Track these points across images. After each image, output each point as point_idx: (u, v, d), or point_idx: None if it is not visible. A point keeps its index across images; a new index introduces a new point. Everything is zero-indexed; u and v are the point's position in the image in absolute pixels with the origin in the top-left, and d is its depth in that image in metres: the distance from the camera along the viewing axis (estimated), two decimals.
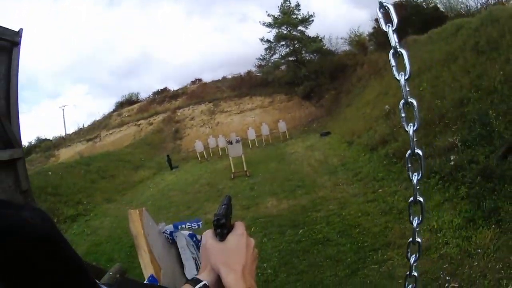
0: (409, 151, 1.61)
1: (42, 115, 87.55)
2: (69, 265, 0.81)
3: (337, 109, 28.85)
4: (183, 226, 3.07)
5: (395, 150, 10.83)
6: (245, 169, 15.81)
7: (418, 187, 1.64)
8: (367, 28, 32.96)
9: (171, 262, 3.02)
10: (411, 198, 1.68)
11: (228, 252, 1.08)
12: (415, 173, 1.64)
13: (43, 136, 50.70)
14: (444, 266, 5.26)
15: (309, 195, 10.35)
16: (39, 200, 15.42)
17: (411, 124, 1.58)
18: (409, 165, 1.64)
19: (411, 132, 1.57)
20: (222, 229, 1.12)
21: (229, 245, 1.09)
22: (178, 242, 3.05)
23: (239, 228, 1.14)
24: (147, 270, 2.71)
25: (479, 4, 23.86)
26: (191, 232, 3.12)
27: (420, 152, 1.58)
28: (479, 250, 5.29)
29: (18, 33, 4.43)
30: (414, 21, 24.05)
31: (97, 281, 0.92)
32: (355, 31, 34.26)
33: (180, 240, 3.05)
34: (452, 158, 7.86)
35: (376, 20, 28.26)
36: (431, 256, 5.52)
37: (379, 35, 28.37)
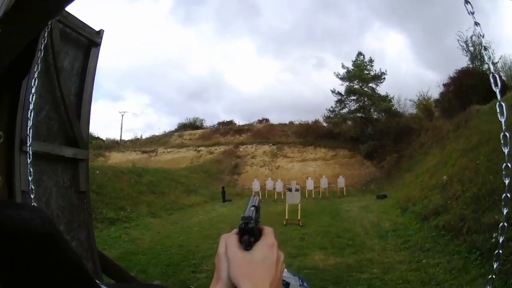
0: None
1: (97, 114, 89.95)
2: (68, 265, 0.83)
3: (396, 173, 28.39)
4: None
5: (445, 223, 10.56)
6: (298, 218, 15.54)
7: None
8: (435, 92, 32.64)
9: None
10: None
11: (254, 264, 0.90)
12: None
13: (95, 133, 50.77)
14: None
15: (357, 256, 10.07)
16: None
17: None
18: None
19: None
20: (250, 236, 0.95)
21: (257, 257, 0.92)
22: None
23: (269, 237, 0.98)
24: None
25: None
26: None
27: None
28: None
29: (99, 34, 4.53)
30: (479, 89, 23.55)
31: (97, 281, 0.94)
32: (423, 94, 34.14)
33: None
34: (494, 236, 7.69)
35: (444, 85, 28.46)
36: None
37: (444, 102, 28.09)
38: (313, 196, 26.29)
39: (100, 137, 50.37)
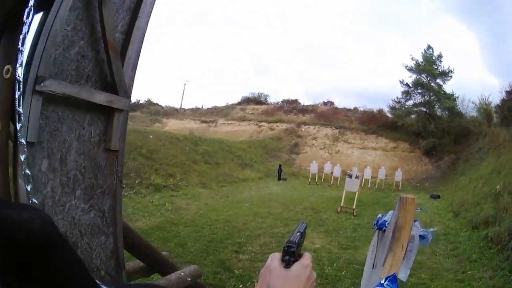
0: None
1: (158, 81, 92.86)
2: (68, 266, 0.81)
3: (452, 175, 28.41)
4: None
5: (494, 235, 10.23)
6: (353, 207, 15.05)
7: None
8: (497, 98, 32.10)
9: None
10: None
11: (289, 279, 1.04)
12: None
13: (154, 100, 53.03)
14: None
15: None
16: (128, 157, 15.21)
17: None
18: None
19: None
20: (291, 257, 1.08)
21: (292, 273, 1.05)
22: None
23: (306, 259, 1.11)
24: (392, 268, 2.32)
25: None
26: None
27: None
28: None
29: None
30: None
31: (98, 282, 0.90)
32: (485, 99, 33.90)
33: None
34: None
35: (506, 93, 28.48)
36: None
37: (504, 109, 27.77)
38: (368, 186, 26.21)
39: (159, 104, 52.37)
